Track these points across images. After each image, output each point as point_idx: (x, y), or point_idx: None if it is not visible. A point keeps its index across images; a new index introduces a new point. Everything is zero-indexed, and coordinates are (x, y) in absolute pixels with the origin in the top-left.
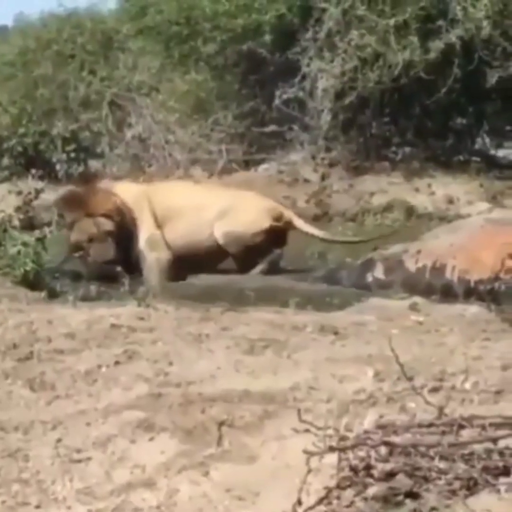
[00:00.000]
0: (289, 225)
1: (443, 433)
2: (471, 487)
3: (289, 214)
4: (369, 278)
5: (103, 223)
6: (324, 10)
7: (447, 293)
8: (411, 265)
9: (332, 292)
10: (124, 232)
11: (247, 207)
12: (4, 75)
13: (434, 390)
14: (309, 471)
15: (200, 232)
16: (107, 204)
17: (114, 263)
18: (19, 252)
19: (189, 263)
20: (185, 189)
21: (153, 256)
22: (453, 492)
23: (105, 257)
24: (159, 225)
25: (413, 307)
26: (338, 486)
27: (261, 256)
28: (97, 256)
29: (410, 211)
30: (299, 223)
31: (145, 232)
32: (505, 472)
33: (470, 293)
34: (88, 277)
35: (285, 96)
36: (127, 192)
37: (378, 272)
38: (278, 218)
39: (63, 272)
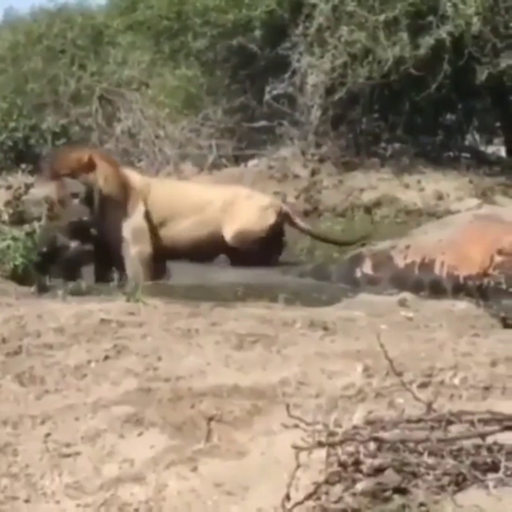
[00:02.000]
0: (287, 219)
1: (432, 428)
2: (460, 482)
3: (286, 209)
4: (358, 273)
5: (68, 184)
6: (314, 6)
7: (436, 289)
8: (399, 261)
9: (320, 287)
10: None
11: (251, 204)
12: None
13: (423, 385)
14: (298, 466)
15: (202, 229)
16: (72, 163)
17: (84, 226)
18: (8, 247)
19: (190, 258)
20: (187, 187)
21: (136, 249)
22: (442, 488)
23: (76, 217)
24: (150, 219)
25: (402, 303)
26: (327, 482)
27: (269, 250)
28: (65, 219)
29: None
30: (295, 218)
31: (132, 221)
32: (493, 468)
33: (459, 289)
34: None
35: (275, 92)
36: (131, 177)
37: (367, 267)
38: (279, 213)
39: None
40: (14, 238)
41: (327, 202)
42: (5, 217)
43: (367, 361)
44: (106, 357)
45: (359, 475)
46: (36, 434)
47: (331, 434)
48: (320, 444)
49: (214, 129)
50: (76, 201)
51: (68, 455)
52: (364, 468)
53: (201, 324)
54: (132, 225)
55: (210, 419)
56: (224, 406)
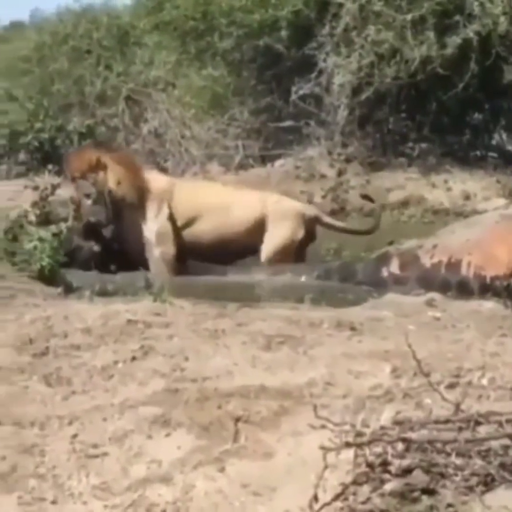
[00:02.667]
0: (318, 222)
1: (460, 429)
2: (488, 483)
3: (315, 212)
4: (385, 272)
5: (82, 185)
6: (341, 5)
7: (463, 289)
8: (426, 261)
9: (344, 288)
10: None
11: (283, 214)
12: (20, 71)
13: (451, 386)
14: (326, 467)
15: (227, 232)
16: (80, 164)
17: (96, 228)
18: (35, 248)
19: (214, 259)
20: (214, 189)
21: (159, 250)
22: (470, 489)
23: (89, 218)
24: (174, 221)
25: (430, 303)
26: (355, 482)
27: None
28: (85, 218)
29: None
30: (326, 218)
31: (155, 223)
32: None
33: (486, 289)
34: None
35: (301, 92)
36: (153, 180)
37: (394, 267)
38: (309, 222)
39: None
40: (40, 239)
41: (354, 202)
42: (32, 217)
43: (394, 361)
44: (133, 358)
45: (387, 476)
46: (63, 435)
47: (359, 434)
48: (348, 445)
49: (240, 129)
50: (88, 202)
51: (96, 456)
52: (392, 468)
53: (228, 324)
54: (156, 228)
55: (237, 419)
56: (251, 407)
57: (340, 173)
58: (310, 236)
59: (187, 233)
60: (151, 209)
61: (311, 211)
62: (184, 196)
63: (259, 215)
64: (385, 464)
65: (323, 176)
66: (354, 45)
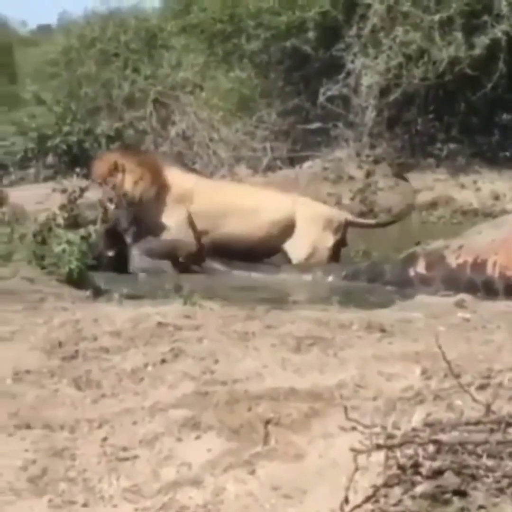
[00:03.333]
0: (350, 226)
1: (491, 430)
2: None
3: (345, 215)
4: (411, 272)
5: (105, 190)
6: (368, 6)
7: (488, 289)
8: (452, 261)
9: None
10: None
11: (311, 222)
12: (48, 74)
13: (482, 387)
14: (357, 469)
15: (256, 232)
16: (101, 170)
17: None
18: (64, 251)
19: (241, 258)
20: (242, 189)
21: (177, 236)
22: (501, 490)
23: (113, 225)
24: (192, 222)
25: (460, 304)
26: (386, 484)
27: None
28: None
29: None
30: (356, 219)
31: (173, 217)
32: None
33: (511, 289)
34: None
35: (329, 93)
36: (173, 178)
37: (420, 267)
38: (338, 228)
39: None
40: (69, 242)
41: (383, 203)
42: (60, 220)
43: (425, 363)
44: (163, 361)
45: (418, 478)
46: (93, 438)
47: (390, 436)
48: (379, 447)
49: (268, 131)
50: (112, 206)
51: (126, 459)
52: (423, 470)
53: (258, 327)
54: (175, 220)
55: (268, 422)
56: (281, 409)
57: (368, 175)
58: (341, 241)
59: (211, 232)
60: (169, 205)
61: (341, 215)
62: (209, 195)
63: (288, 218)
64: (416, 466)
65: (351, 178)
66: (382, 46)
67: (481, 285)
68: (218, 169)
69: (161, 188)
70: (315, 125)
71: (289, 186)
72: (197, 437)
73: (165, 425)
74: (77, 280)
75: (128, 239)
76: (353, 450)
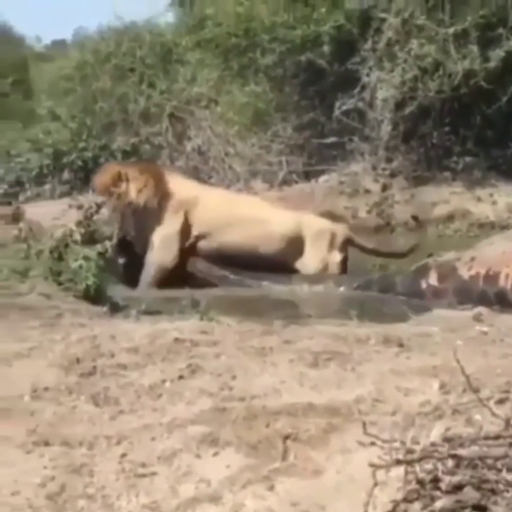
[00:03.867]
0: (350, 243)
1: (510, 445)
2: None
3: (347, 231)
4: (423, 284)
5: (109, 202)
6: (383, 20)
7: (501, 301)
8: (464, 273)
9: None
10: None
11: (319, 239)
12: (63, 90)
13: (501, 401)
14: (376, 484)
15: (261, 245)
16: (104, 181)
17: (125, 243)
18: (80, 267)
19: (246, 266)
20: (249, 201)
21: (156, 258)
22: None
23: (119, 235)
24: (186, 232)
25: (477, 318)
26: (405, 499)
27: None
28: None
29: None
30: (357, 239)
31: (165, 229)
32: None
33: None
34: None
35: (344, 107)
36: (176, 186)
37: (432, 279)
38: (344, 244)
39: None
40: (86, 258)
41: (399, 217)
42: (77, 236)
43: (443, 377)
44: (181, 377)
45: (438, 493)
46: (111, 455)
47: (409, 451)
48: (398, 462)
49: (283, 145)
50: (118, 216)
51: (144, 476)
52: (442, 485)
53: (275, 342)
54: (163, 234)
55: (286, 437)
56: (300, 425)
57: (384, 188)
58: (347, 256)
59: (216, 238)
60: (166, 215)
61: (344, 231)
62: (214, 202)
63: (296, 233)
64: (435, 481)
65: (367, 191)
66: (397, 60)
67: (494, 296)
68: (233, 183)
69: (164, 196)
70: (331, 139)
71: (305, 200)
72: (215, 454)
73: (183, 441)
74: (94, 296)
75: (138, 249)
76: (372, 465)
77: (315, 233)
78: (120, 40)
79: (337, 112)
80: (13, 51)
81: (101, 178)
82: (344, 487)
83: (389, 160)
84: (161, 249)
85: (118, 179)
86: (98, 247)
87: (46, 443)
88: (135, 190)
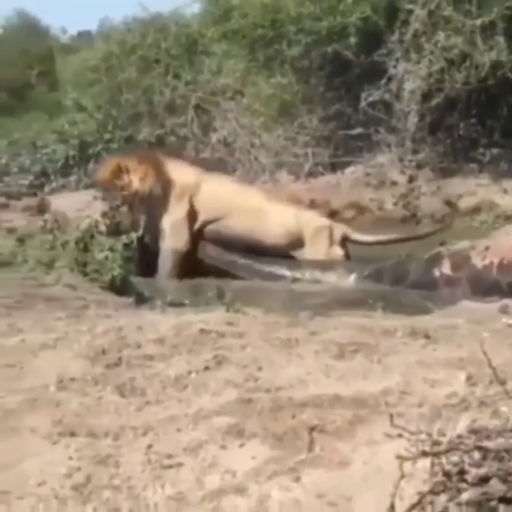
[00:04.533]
0: (346, 241)
1: None
2: None
3: (344, 229)
4: (436, 273)
5: (113, 196)
6: (410, 11)
7: None
8: (478, 262)
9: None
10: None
11: (319, 236)
12: (88, 81)
13: None
14: (402, 476)
15: (258, 235)
16: (105, 175)
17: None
18: (106, 258)
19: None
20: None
21: (170, 244)
22: None
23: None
24: (194, 217)
25: (504, 310)
26: (432, 491)
27: None
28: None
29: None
30: (354, 235)
31: (172, 215)
32: None
33: None
34: None
35: (371, 98)
36: (177, 173)
37: (445, 267)
38: (342, 240)
39: None
40: (111, 249)
41: (425, 209)
42: (102, 228)
43: (470, 369)
44: (206, 368)
45: (464, 485)
46: (137, 446)
47: (435, 443)
48: (425, 454)
49: (309, 137)
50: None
51: (170, 467)
52: (469, 477)
53: (301, 333)
54: (172, 220)
55: (312, 429)
56: (326, 416)
57: (411, 180)
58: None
59: (218, 223)
60: (171, 202)
61: (340, 229)
62: (215, 190)
63: (296, 227)
64: (461, 473)
65: (393, 183)
66: (423, 51)
67: (507, 286)
68: (259, 175)
69: (166, 183)
70: (357, 130)
71: (331, 192)
72: (241, 445)
73: (209, 432)
74: (119, 287)
75: (147, 239)
76: (398, 457)
77: (315, 229)
78: (146, 31)
79: (363, 104)
80: (38, 43)
81: (102, 173)
82: (370, 478)
83: (415, 151)
84: (173, 234)
85: (119, 171)
86: (124, 238)
87: (72, 434)
88: (137, 180)
